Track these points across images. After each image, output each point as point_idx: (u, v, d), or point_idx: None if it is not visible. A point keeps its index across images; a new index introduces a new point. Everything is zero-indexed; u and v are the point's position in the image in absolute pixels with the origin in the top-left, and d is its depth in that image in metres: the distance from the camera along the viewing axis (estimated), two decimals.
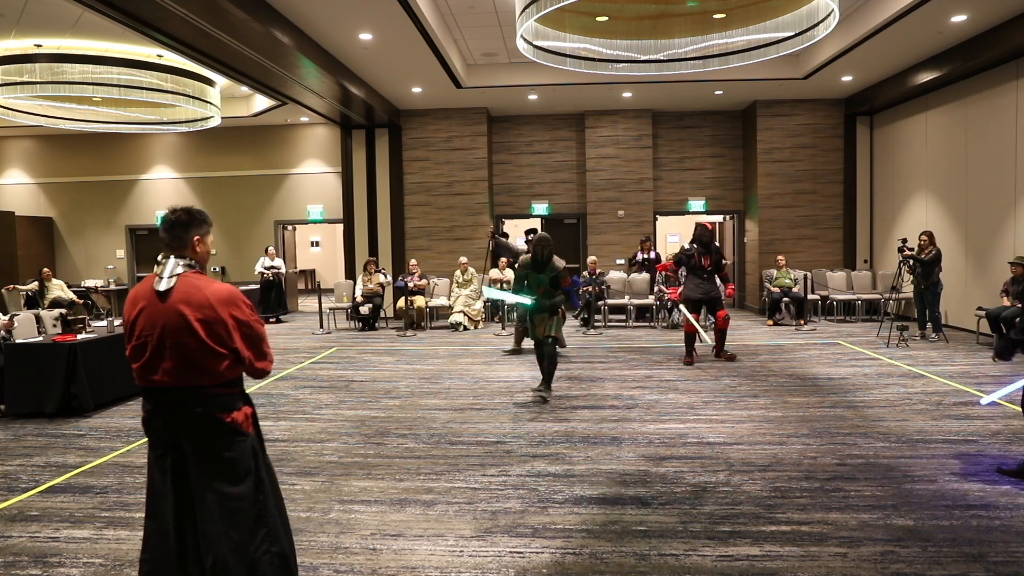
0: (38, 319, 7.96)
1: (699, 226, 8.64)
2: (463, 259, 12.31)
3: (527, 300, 6.62)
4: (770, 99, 13.35)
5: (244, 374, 2.70)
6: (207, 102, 11.14)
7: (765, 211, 13.61)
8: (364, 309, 12.01)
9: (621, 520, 3.80)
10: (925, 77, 10.62)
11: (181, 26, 7.68)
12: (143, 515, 2.72)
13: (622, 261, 13.86)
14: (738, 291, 14.46)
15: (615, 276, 12.66)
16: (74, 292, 12.90)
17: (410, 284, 11.88)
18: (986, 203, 10.01)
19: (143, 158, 15.73)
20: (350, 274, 13.84)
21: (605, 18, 7.64)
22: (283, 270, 13.62)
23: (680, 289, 8.77)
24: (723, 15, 7.48)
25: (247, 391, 2.76)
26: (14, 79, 9.51)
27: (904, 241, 9.90)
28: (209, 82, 11.12)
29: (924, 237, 9.69)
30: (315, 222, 15.79)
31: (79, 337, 6.74)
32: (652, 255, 12.74)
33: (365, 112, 12.66)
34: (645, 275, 12.49)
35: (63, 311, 8.80)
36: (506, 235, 12.29)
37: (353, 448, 5.20)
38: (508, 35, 10.12)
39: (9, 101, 10.89)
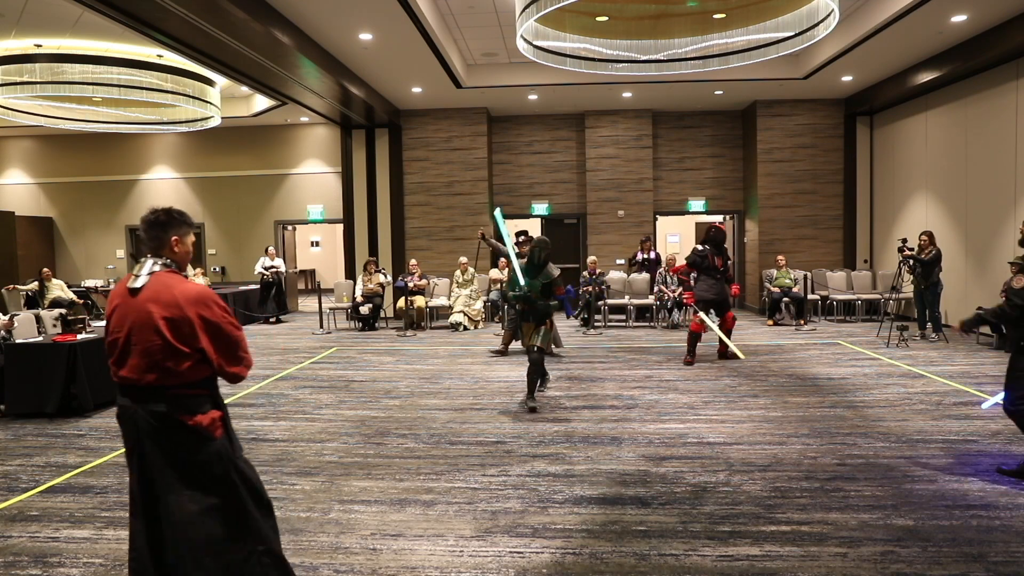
0: (38, 319, 7.96)
1: (713, 227, 8.65)
2: (463, 259, 12.31)
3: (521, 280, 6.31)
4: (770, 99, 13.35)
5: (219, 378, 2.68)
6: (207, 102, 11.14)
7: (765, 211, 13.61)
8: (364, 309, 12.01)
9: (621, 520, 3.80)
10: (925, 77, 10.63)
11: (181, 26, 7.68)
12: None
13: (622, 261, 13.86)
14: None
15: (615, 276, 12.66)
16: (74, 292, 12.90)
17: (410, 284, 11.88)
18: (986, 203, 10.01)
19: (143, 158, 15.73)
20: (350, 274, 13.84)
21: (605, 18, 7.65)
22: (283, 270, 13.61)
23: (693, 293, 8.60)
24: (723, 15, 7.48)
25: (221, 393, 2.75)
26: (14, 79, 9.52)
27: (904, 241, 9.90)
28: (209, 82, 11.12)
29: (924, 237, 9.69)
30: (315, 222, 15.80)
31: (79, 337, 6.74)
32: (652, 255, 12.74)
33: (365, 112, 12.66)
34: (645, 275, 12.49)
35: (63, 311, 8.80)
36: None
37: (353, 448, 5.20)
38: (508, 35, 10.12)
39: (9, 101, 10.90)
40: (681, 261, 12.58)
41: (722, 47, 7.98)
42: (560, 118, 14.38)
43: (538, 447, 5.13)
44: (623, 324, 12.16)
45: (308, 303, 16.68)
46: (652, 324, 12.03)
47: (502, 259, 12.12)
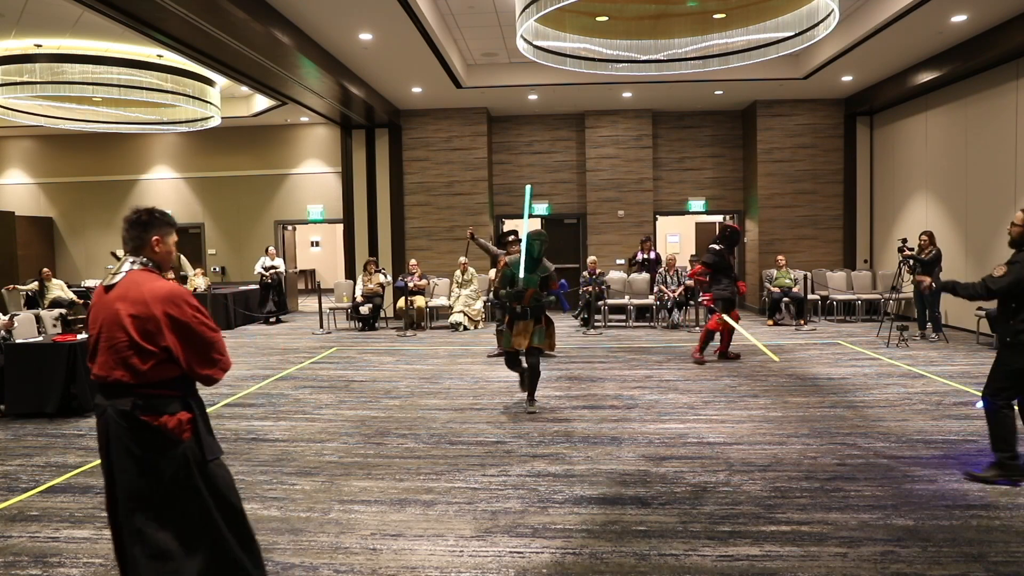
0: (38, 319, 7.96)
1: (729, 227, 8.67)
2: (463, 259, 12.31)
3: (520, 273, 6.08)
4: (770, 99, 13.35)
5: (196, 381, 2.64)
6: (207, 102, 11.14)
7: (765, 211, 13.61)
8: (364, 309, 12.01)
9: (621, 520, 3.80)
10: (925, 77, 10.63)
11: (181, 26, 7.68)
12: None
13: (622, 261, 13.86)
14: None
15: (615, 276, 12.66)
16: (74, 292, 12.90)
17: (410, 284, 11.88)
18: (986, 203, 10.01)
19: (143, 158, 15.73)
20: (350, 274, 13.84)
21: (605, 18, 7.65)
22: (282, 270, 13.60)
23: (712, 294, 8.48)
24: (723, 15, 7.48)
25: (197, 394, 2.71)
26: (14, 79, 9.51)
27: (904, 241, 9.90)
28: (209, 82, 11.12)
29: (924, 237, 9.69)
30: (315, 222, 15.80)
31: (79, 337, 6.74)
32: (652, 255, 12.74)
33: (365, 112, 12.66)
34: (645, 275, 12.49)
35: (63, 311, 8.81)
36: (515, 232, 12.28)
37: (353, 448, 5.20)
38: (508, 35, 10.12)
39: (9, 101, 10.90)
40: (681, 261, 12.64)
41: (722, 47, 7.98)
42: (560, 118, 14.38)
43: (538, 447, 5.13)
44: (623, 324, 12.16)
45: (308, 303, 16.68)
46: (652, 324, 12.03)
47: (501, 258, 12.05)
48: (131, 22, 7.49)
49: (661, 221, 15.24)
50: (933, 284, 4.74)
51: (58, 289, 12.38)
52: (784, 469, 4.56)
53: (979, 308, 9.26)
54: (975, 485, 4.21)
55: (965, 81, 10.44)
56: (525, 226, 6.47)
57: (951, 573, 3.16)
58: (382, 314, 12.36)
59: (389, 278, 12.77)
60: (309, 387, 7.41)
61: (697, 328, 11.28)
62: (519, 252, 6.27)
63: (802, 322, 11.53)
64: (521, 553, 3.43)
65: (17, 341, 6.82)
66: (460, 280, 12.28)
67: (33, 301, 12.23)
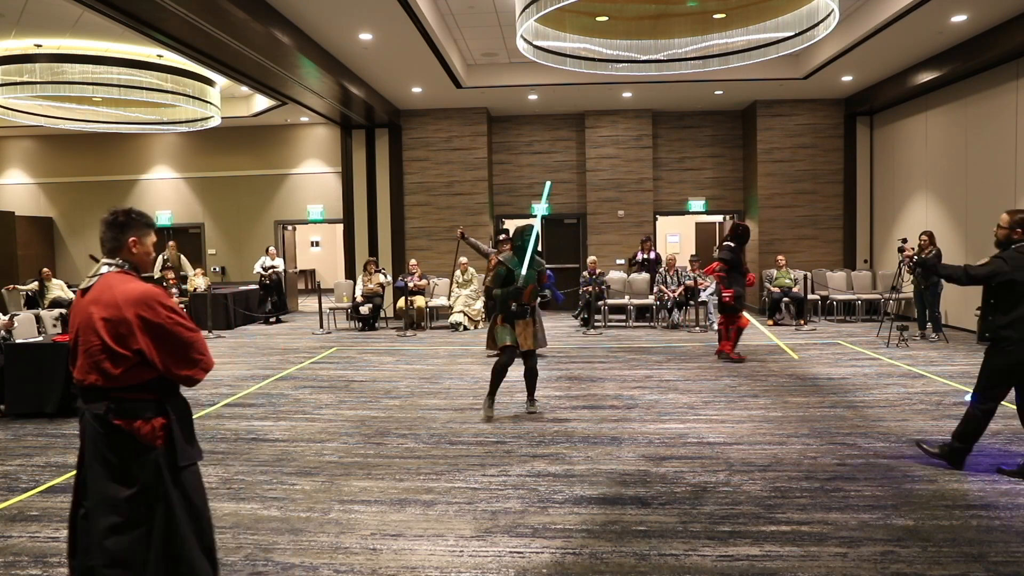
0: (38, 319, 7.97)
1: (741, 224, 8.71)
2: (463, 259, 12.31)
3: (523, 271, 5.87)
4: (770, 99, 13.35)
5: (176, 382, 2.59)
6: (207, 102, 11.14)
7: (765, 211, 13.61)
8: (364, 309, 12.01)
9: (621, 520, 3.80)
10: (925, 77, 10.63)
11: (181, 26, 7.68)
12: None
13: (622, 261, 13.86)
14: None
15: (615, 276, 12.66)
16: (74, 292, 12.90)
17: (410, 284, 11.88)
18: (986, 203, 10.01)
19: (143, 158, 15.73)
20: (350, 274, 13.84)
21: (605, 18, 7.65)
22: (281, 269, 13.59)
23: (734, 291, 8.40)
24: (723, 15, 7.49)
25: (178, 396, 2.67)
26: (14, 79, 9.52)
27: (904, 241, 9.88)
28: (209, 82, 11.12)
29: (924, 237, 9.69)
30: (315, 222, 15.80)
31: None
32: (652, 255, 12.74)
33: (365, 112, 12.66)
34: (645, 275, 12.49)
35: (63, 311, 8.81)
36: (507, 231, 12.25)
37: (353, 448, 5.20)
38: (508, 35, 10.12)
39: (9, 101, 10.90)
40: (681, 261, 12.63)
41: (722, 47, 7.98)
42: (560, 118, 14.38)
43: (538, 447, 5.13)
44: (623, 324, 12.16)
45: (308, 303, 16.67)
46: (652, 324, 12.03)
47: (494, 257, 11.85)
48: (131, 22, 7.49)
49: (661, 221, 15.24)
50: (915, 256, 4.80)
51: (58, 289, 12.39)
52: (784, 469, 4.56)
53: (979, 308, 9.25)
54: (975, 485, 4.21)
55: (965, 81, 10.44)
56: (538, 221, 6.38)
57: (951, 573, 3.16)
58: (382, 314, 12.36)
59: (389, 278, 12.77)
60: (309, 387, 7.41)
61: (697, 328, 11.29)
62: (510, 250, 6.12)
63: (802, 322, 11.53)
64: (521, 553, 3.43)
65: (17, 341, 6.82)
66: (460, 280, 12.28)
67: (33, 301, 12.23)
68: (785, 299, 11.86)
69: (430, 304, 12.39)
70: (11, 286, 12.88)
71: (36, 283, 12.38)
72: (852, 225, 13.71)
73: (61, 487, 4.49)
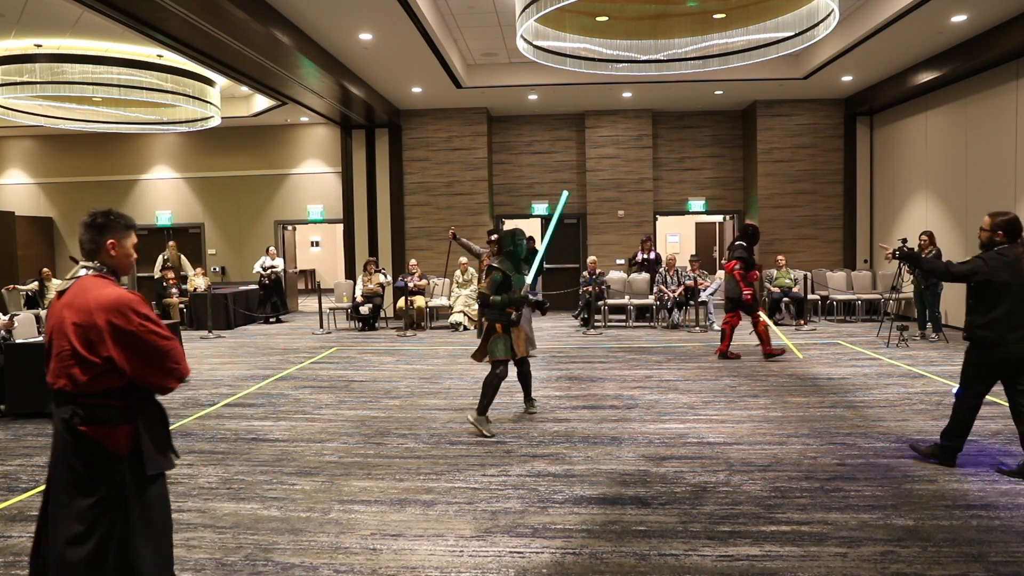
0: (38, 319, 7.95)
1: (751, 225, 8.76)
2: (463, 259, 12.31)
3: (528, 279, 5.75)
4: (770, 99, 13.35)
5: (150, 390, 2.53)
6: (207, 102, 11.14)
7: (765, 211, 13.61)
8: (364, 309, 12.01)
9: (621, 520, 3.80)
10: (925, 77, 10.63)
11: (181, 26, 7.68)
12: None
13: (622, 261, 13.86)
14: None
15: (615, 276, 12.66)
16: None
17: (410, 284, 11.88)
18: (986, 203, 10.00)
19: (143, 158, 15.73)
20: (350, 274, 13.84)
21: (605, 18, 7.65)
22: (280, 269, 13.58)
23: (753, 290, 8.47)
24: (723, 15, 7.49)
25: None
26: (14, 79, 9.51)
27: (904, 241, 9.86)
28: (209, 82, 11.12)
29: (924, 237, 9.68)
30: (315, 222, 15.80)
31: None
32: (652, 255, 12.74)
33: (365, 112, 12.66)
34: (645, 275, 12.49)
35: None
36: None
37: (353, 448, 5.20)
38: (508, 35, 10.13)
39: (9, 101, 10.90)
40: (681, 261, 12.63)
41: (722, 47, 7.98)
42: (560, 118, 14.38)
43: (538, 447, 5.14)
44: (623, 324, 12.16)
45: (308, 303, 16.67)
46: (652, 324, 12.02)
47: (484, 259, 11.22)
48: (131, 22, 7.49)
49: (661, 221, 15.24)
50: (896, 252, 4.84)
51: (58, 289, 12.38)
52: (784, 469, 4.56)
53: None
54: (975, 485, 4.21)
55: (965, 81, 10.44)
56: (550, 231, 6.01)
57: (951, 573, 3.16)
58: (382, 314, 12.36)
59: (389, 278, 12.77)
60: (309, 387, 7.41)
61: (697, 328, 11.29)
62: (498, 254, 5.95)
63: (802, 322, 11.53)
64: (521, 553, 3.43)
65: (17, 341, 6.82)
66: (460, 280, 12.28)
67: (33, 301, 12.23)
68: (785, 299, 11.86)
69: (430, 304, 12.39)
70: (11, 286, 12.88)
71: (36, 283, 12.38)
72: (852, 225, 13.71)
73: None
